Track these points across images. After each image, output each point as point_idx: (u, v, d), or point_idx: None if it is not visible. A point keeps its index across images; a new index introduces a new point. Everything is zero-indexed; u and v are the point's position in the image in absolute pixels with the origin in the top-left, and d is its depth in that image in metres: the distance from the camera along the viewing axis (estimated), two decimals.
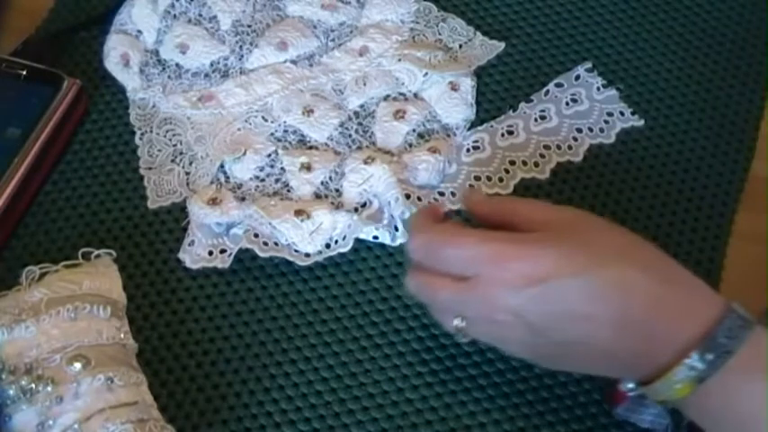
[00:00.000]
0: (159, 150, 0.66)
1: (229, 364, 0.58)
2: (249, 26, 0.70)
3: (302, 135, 0.66)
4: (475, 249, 0.51)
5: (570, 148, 0.66)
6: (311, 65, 0.68)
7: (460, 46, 0.70)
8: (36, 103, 0.65)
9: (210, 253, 0.61)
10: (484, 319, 0.52)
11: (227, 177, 0.64)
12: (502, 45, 0.70)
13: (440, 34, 0.70)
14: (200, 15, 0.70)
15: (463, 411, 0.57)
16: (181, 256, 0.62)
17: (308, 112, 0.66)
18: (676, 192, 0.65)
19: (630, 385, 0.52)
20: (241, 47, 0.69)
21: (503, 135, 0.66)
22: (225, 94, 0.67)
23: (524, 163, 0.65)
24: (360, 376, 0.58)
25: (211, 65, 0.69)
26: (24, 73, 0.66)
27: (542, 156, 0.65)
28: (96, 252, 0.60)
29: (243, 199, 0.63)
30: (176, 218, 0.63)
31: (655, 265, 0.51)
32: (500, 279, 0.50)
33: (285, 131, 0.66)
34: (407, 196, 0.62)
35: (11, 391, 0.52)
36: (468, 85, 0.67)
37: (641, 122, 0.67)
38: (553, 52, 0.70)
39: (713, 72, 0.70)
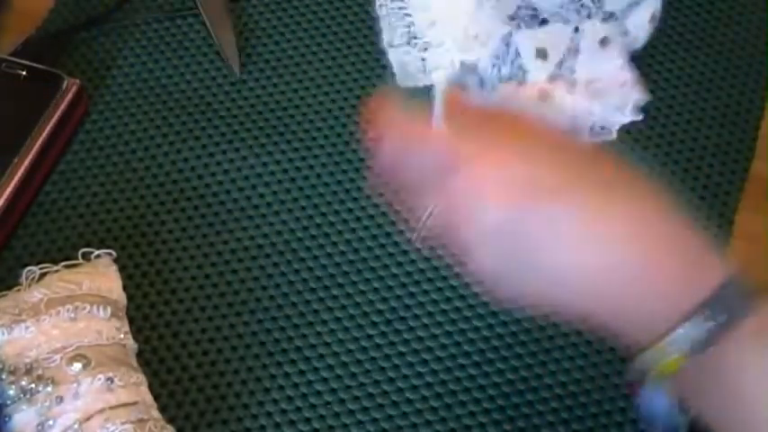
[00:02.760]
0: (396, 27, 0.64)
1: (229, 364, 0.58)
2: None
3: (534, 9, 0.63)
4: (448, 152, 0.46)
5: None
6: None
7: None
8: (36, 103, 0.65)
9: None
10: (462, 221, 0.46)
11: (461, 63, 0.62)
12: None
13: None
14: None
15: (463, 411, 0.57)
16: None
17: None
18: (676, 192, 0.65)
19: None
20: None
21: None
22: None
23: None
24: (360, 376, 0.58)
25: None
26: (24, 73, 0.66)
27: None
28: (96, 252, 0.60)
29: (482, 84, 0.61)
30: (176, 218, 0.63)
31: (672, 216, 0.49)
32: (499, 177, 0.45)
33: (518, 8, 0.63)
34: None
35: (11, 391, 0.52)
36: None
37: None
38: None
39: (713, 72, 0.70)
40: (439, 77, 0.61)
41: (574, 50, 0.61)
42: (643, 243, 0.47)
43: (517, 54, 0.60)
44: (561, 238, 0.45)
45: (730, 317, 0.44)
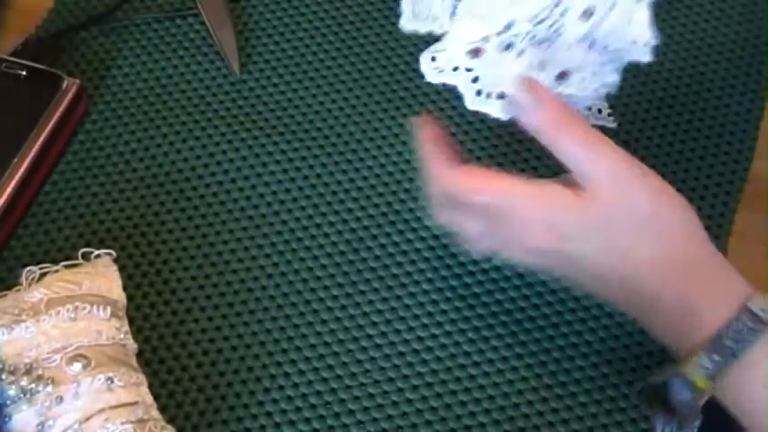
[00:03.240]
0: None
1: (229, 364, 0.58)
2: None
3: None
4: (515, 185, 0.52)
5: None
6: None
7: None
8: (36, 103, 0.65)
9: (455, 69, 0.57)
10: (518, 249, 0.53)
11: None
12: None
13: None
14: None
15: (463, 411, 0.57)
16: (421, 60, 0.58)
17: None
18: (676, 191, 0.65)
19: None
20: None
21: None
22: None
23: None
24: (360, 376, 0.58)
25: None
26: (24, 73, 0.66)
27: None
28: (96, 252, 0.60)
29: (508, 46, 0.56)
30: (176, 218, 0.63)
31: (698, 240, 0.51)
32: (530, 219, 0.51)
33: None
34: None
35: (11, 391, 0.52)
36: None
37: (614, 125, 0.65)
38: None
39: (713, 72, 0.70)
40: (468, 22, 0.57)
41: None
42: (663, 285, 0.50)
43: (562, 14, 0.56)
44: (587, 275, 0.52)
45: (726, 356, 0.47)
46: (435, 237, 0.63)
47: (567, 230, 0.50)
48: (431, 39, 0.60)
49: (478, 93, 0.57)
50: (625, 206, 0.50)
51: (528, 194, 0.51)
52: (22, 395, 0.51)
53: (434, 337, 0.59)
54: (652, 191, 0.51)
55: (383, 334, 0.59)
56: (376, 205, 0.64)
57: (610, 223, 0.50)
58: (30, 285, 0.56)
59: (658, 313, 0.50)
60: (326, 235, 0.63)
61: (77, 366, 0.52)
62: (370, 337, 0.59)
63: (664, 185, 0.52)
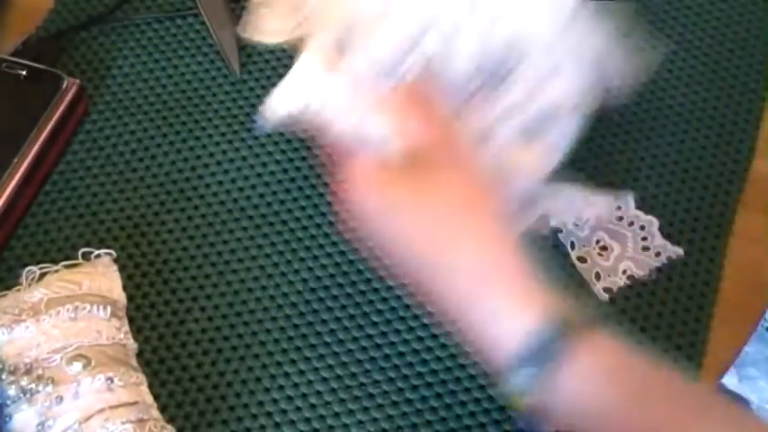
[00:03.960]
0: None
1: (229, 364, 0.58)
2: None
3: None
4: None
5: None
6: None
7: None
8: (36, 103, 0.65)
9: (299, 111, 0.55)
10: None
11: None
12: None
13: None
14: None
15: (463, 411, 0.57)
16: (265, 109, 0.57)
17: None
18: (676, 192, 0.65)
19: None
20: None
21: None
22: None
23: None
24: (360, 376, 0.58)
25: None
26: (24, 73, 0.66)
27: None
28: (96, 252, 0.60)
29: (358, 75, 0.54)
30: (176, 218, 0.63)
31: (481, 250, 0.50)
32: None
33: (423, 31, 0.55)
34: None
35: (11, 391, 0.52)
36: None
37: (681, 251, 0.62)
38: None
39: (713, 72, 0.70)
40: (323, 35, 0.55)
41: None
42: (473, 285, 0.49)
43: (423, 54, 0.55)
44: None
45: (545, 363, 0.46)
46: None
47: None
48: None
49: None
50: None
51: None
52: (22, 395, 0.51)
53: (434, 337, 0.59)
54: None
55: (383, 334, 0.59)
56: None
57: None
58: (30, 285, 0.57)
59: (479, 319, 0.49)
60: (326, 235, 0.63)
61: (77, 366, 0.52)
62: (370, 337, 0.59)
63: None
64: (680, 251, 0.62)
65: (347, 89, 0.54)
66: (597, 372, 0.46)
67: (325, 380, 0.58)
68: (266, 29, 0.62)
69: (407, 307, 0.60)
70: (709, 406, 0.47)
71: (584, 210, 0.61)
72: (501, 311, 0.48)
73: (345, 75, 0.54)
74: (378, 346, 0.59)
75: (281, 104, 0.55)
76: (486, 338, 0.48)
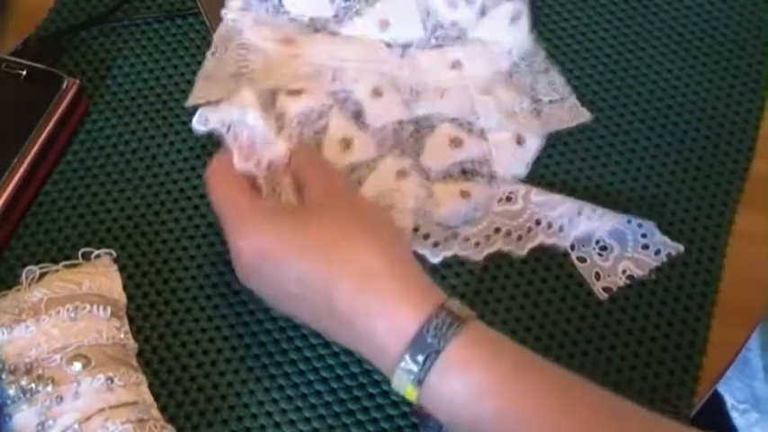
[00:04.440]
0: (223, 69, 0.66)
1: (229, 364, 0.58)
2: None
3: (360, 111, 0.64)
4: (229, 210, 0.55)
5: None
6: (402, 55, 0.67)
7: (550, 101, 0.66)
8: (36, 103, 0.65)
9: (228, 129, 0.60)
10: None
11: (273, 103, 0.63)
12: (589, 116, 0.66)
13: (536, 82, 0.67)
14: None
15: None
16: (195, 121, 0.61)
17: (377, 94, 0.65)
18: (676, 191, 0.65)
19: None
20: (346, 13, 0.68)
21: (539, 190, 0.62)
22: (308, 43, 0.66)
23: (549, 225, 0.61)
24: (360, 376, 0.58)
25: (310, 20, 0.68)
26: (24, 73, 0.66)
27: (570, 221, 0.61)
28: (96, 252, 0.60)
29: (281, 129, 0.62)
30: (176, 218, 0.63)
31: (362, 260, 0.51)
32: (234, 243, 0.54)
33: (347, 99, 0.65)
34: (415, 230, 0.61)
35: (11, 391, 0.52)
36: (535, 145, 0.64)
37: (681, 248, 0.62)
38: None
39: (713, 72, 0.70)
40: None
41: (371, 168, 0.64)
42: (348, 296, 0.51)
43: (325, 127, 0.64)
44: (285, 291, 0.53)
45: (430, 353, 0.48)
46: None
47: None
48: None
49: None
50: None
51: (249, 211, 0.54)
52: (22, 395, 0.51)
53: None
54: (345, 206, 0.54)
55: None
56: None
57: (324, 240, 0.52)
58: (30, 285, 0.57)
59: (362, 337, 0.51)
60: None
61: (77, 366, 0.52)
62: None
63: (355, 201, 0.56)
64: (680, 247, 0.62)
65: (264, 132, 0.59)
66: (454, 390, 0.48)
67: (324, 380, 0.58)
68: (206, 95, 0.65)
69: None
70: (576, 396, 0.48)
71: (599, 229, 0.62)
72: (384, 311, 0.50)
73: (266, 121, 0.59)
74: None
75: (203, 122, 0.60)
76: (373, 342, 0.50)
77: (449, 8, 0.68)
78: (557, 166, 0.65)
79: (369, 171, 0.62)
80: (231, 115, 0.59)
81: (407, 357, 0.48)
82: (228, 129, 0.59)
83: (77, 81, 0.66)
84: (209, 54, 0.68)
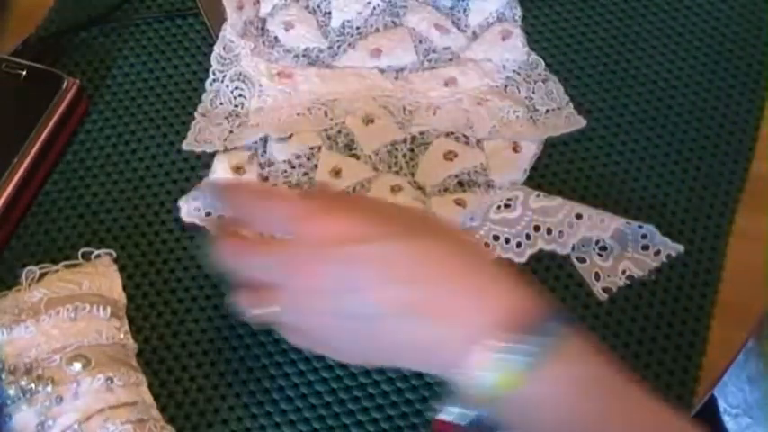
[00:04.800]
0: (221, 104, 0.68)
1: (229, 364, 0.58)
2: (357, 28, 0.70)
3: (352, 140, 0.65)
4: (292, 205, 0.50)
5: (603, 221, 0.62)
6: (396, 78, 0.68)
7: (547, 111, 0.67)
8: (36, 103, 0.65)
9: (208, 214, 0.62)
10: (295, 290, 0.49)
11: (264, 151, 0.65)
12: (584, 123, 0.66)
13: (533, 93, 0.67)
14: (318, 7, 0.71)
15: None
16: (180, 203, 0.63)
17: (369, 121, 0.66)
18: (676, 191, 0.65)
19: (454, 409, 0.48)
20: (339, 46, 0.69)
21: (538, 196, 0.62)
22: (303, 78, 0.68)
23: (549, 231, 0.61)
24: (360, 376, 0.58)
25: (305, 51, 0.69)
26: (24, 73, 0.66)
27: (570, 226, 0.61)
28: (96, 252, 0.60)
29: (266, 179, 0.64)
30: (176, 218, 0.63)
31: (457, 247, 0.49)
32: (313, 235, 0.48)
33: (338, 132, 0.66)
34: None
35: (11, 391, 0.52)
36: (531, 151, 0.65)
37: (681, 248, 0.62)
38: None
39: (713, 72, 0.70)
40: (240, 148, 0.64)
41: (366, 189, 0.64)
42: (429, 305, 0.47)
43: (315, 167, 0.64)
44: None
45: (552, 337, 0.45)
46: None
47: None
48: None
49: None
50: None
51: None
52: (21, 395, 0.51)
53: None
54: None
55: None
56: None
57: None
58: (30, 285, 0.57)
59: (466, 309, 0.47)
60: None
61: (77, 366, 0.52)
62: None
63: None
64: (680, 248, 0.61)
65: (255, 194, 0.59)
66: (568, 381, 0.46)
67: (324, 380, 0.58)
68: (203, 139, 0.66)
69: None
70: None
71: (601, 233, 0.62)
72: (499, 289, 0.47)
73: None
74: None
75: (188, 212, 0.63)
76: (479, 316, 0.47)
77: (441, 35, 0.70)
78: (557, 166, 0.65)
79: (364, 192, 0.63)
80: (207, 202, 0.62)
81: (527, 337, 0.45)
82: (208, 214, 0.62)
83: (77, 81, 0.66)
84: (207, 84, 0.68)
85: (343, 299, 0.48)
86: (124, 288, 0.59)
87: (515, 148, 0.65)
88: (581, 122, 0.67)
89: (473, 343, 0.46)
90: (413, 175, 0.64)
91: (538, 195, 0.62)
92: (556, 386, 0.46)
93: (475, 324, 0.46)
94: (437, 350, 0.48)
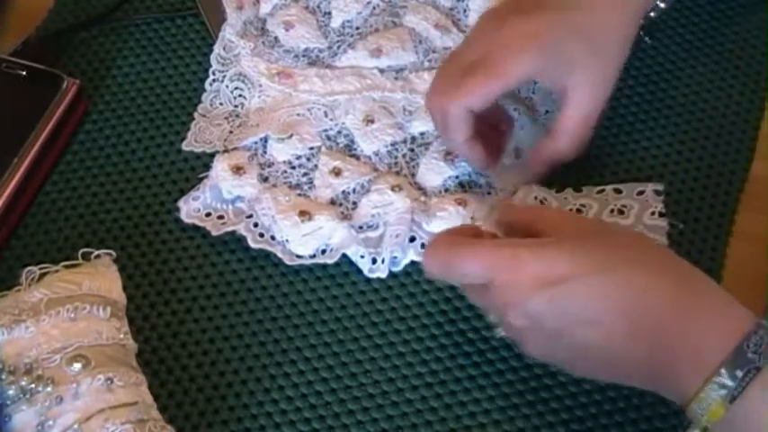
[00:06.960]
0: (221, 104, 0.68)
1: (229, 364, 0.58)
2: (357, 28, 0.70)
3: (352, 141, 0.65)
4: (489, 257, 0.51)
5: None
6: (396, 78, 0.68)
7: (547, 111, 0.66)
8: (36, 103, 0.65)
9: (208, 215, 0.62)
10: (504, 324, 0.52)
11: (264, 151, 0.65)
12: None
13: (533, 93, 0.67)
14: (318, 7, 0.71)
15: (463, 412, 0.57)
16: (180, 204, 0.63)
17: (369, 121, 0.66)
18: (676, 192, 0.65)
19: None
20: (339, 46, 0.70)
21: (535, 199, 0.62)
22: (303, 78, 0.68)
23: None
24: (360, 376, 0.58)
25: (305, 50, 0.70)
26: (24, 73, 0.66)
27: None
28: (96, 252, 0.60)
29: (266, 179, 0.64)
30: (176, 218, 0.63)
31: (671, 272, 0.50)
32: (514, 283, 0.50)
33: (338, 132, 0.66)
34: (412, 239, 0.61)
35: (11, 392, 0.52)
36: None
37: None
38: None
39: (713, 72, 0.70)
40: (239, 148, 0.65)
41: (366, 189, 0.64)
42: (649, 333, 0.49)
43: (315, 167, 0.65)
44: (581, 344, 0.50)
45: (750, 368, 0.46)
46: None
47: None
48: None
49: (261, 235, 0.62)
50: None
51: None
52: (21, 395, 0.51)
53: (434, 337, 0.59)
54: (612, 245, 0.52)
55: (383, 334, 0.59)
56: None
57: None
58: (30, 285, 0.57)
59: (671, 344, 0.49)
60: None
61: (77, 366, 0.52)
62: (369, 337, 0.59)
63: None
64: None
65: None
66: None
67: (325, 380, 0.58)
68: (203, 139, 0.66)
69: (407, 307, 0.60)
70: None
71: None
72: (704, 314, 0.49)
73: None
74: (378, 346, 0.59)
75: (187, 211, 0.63)
76: (683, 351, 0.48)
77: (441, 35, 0.70)
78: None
79: (364, 192, 0.63)
80: (207, 202, 0.63)
81: (724, 371, 0.46)
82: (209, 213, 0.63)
83: (77, 81, 0.66)
84: (207, 84, 0.68)
85: (575, 334, 0.50)
86: (124, 288, 0.59)
87: (517, 155, 0.65)
88: None
89: (700, 370, 0.47)
90: (413, 175, 0.64)
91: (539, 189, 0.62)
92: (763, 404, 0.47)
93: (702, 350, 0.48)
94: (666, 375, 0.49)
